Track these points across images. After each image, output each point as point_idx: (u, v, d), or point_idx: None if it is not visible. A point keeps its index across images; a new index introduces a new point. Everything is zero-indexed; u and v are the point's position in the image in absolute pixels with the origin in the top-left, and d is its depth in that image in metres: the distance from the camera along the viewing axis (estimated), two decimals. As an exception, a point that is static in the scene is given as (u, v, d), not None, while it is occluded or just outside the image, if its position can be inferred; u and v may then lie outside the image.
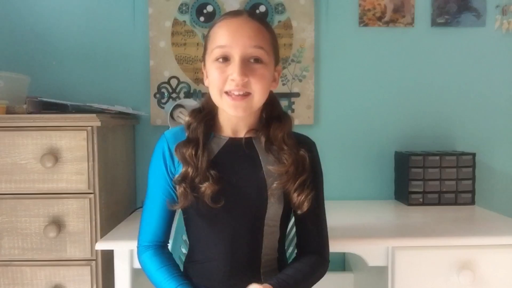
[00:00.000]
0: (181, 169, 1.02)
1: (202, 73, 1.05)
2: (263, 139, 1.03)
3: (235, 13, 1.01)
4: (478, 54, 1.83)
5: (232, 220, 1.00)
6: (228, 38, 0.96)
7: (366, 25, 1.81)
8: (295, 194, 1.00)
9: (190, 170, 1.00)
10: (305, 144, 1.07)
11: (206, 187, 0.98)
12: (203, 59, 1.04)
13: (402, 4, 1.81)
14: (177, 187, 1.02)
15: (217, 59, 0.97)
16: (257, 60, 0.97)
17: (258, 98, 0.98)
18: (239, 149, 1.04)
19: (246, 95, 0.97)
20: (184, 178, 1.00)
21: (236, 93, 0.96)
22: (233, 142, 1.04)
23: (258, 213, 1.01)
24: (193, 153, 1.00)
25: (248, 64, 0.96)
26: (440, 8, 1.81)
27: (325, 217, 1.09)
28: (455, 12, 1.81)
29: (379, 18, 1.81)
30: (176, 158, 1.03)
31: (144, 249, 1.06)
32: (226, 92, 0.97)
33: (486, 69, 1.84)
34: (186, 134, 1.04)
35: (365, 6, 1.80)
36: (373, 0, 1.80)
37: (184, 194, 1.00)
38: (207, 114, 1.05)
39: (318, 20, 1.81)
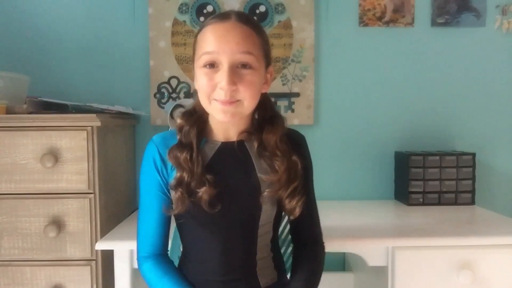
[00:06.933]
0: (174, 174, 1.00)
1: (193, 75, 1.03)
2: (255, 144, 1.02)
3: (223, 17, 0.96)
4: (478, 54, 1.83)
5: (227, 224, 1.00)
6: (215, 44, 0.93)
7: (366, 25, 1.81)
8: (287, 201, 1.00)
9: (185, 174, 0.98)
10: (296, 142, 1.06)
11: (203, 192, 0.96)
12: (192, 62, 1.02)
13: (402, 4, 1.81)
14: (173, 192, 1.00)
15: (204, 65, 0.94)
16: (246, 66, 0.94)
17: (248, 104, 0.96)
18: (232, 153, 1.02)
19: (236, 101, 0.95)
20: (179, 183, 0.98)
21: (225, 100, 0.94)
22: (226, 146, 1.03)
23: (252, 217, 1.01)
24: (188, 157, 0.98)
25: (237, 71, 0.93)
26: (440, 8, 1.81)
27: (316, 208, 1.10)
28: (455, 12, 1.81)
29: (379, 18, 1.81)
30: (168, 164, 1.01)
31: (144, 260, 1.05)
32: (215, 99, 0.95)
33: (486, 69, 1.84)
34: (178, 138, 1.02)
35: (365, 6, 1.81)
36: (373, 0, 1.80)
37: (181, 199, 0.98)
38: (199, 117, 1.03)
39: (318, 20, 1.81)
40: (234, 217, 1.00)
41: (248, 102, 0.96)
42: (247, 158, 1.02)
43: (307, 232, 1.10)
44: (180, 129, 1.02)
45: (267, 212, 1.01)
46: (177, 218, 1.04)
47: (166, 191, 1.02)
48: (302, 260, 1.07)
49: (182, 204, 0.98)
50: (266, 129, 1.02)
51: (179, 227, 1.07)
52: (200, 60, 0.95)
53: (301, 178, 1.02)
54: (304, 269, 1.04)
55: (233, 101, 0.94)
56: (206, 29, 0.96)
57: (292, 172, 1.00)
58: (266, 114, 1.05)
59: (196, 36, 1.00)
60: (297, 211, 1.01)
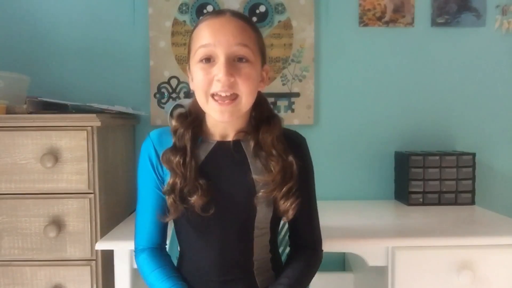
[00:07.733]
0: (168, 174, 1.00)
1: (188, 76, 1.02)
2: (252, 143, 1.01)
3: (217, 13, 0.97)
4: (478, 54, 1.83)
5: (222, 226, 0.99)
6: (211, 37, 0.93)
7: (366, 25, 1.81)
8: (281, 202, 0.99)
9: (178, 180, 0.97)
10: (295, 143, 1.05)
11: (195, 199, 0.96)
12: (187, 61, 1.01)
13: (402, 4, 1.81)
14: (166, 197, 0.99)
15: (201, 60, 0.94)
16: (242, 59, 0.94)
17: (246, 99, 0.95)
18: (227, 153, 1.01)
19: (234, 98, 0.94)
20: (172, 188, 0.98)
21: (223, 94, 0.92)
22: (221, 145, 1.02)
23: (248, 219, 1.00)
24: (181, 161, 0.97)
25: (234, 64, 0.93)
26: (440, 8, 1.81)
27: (316, 212, 1.09)
28: (455, 12, 1.81)
29: (379, 18, 1.81)
30: None
31: (140, 252, 1.06)
32: (213, 95, 0.94)
33: (486, 69, 1.84)
34: (173, 141, 1.01)
35: (365, 6, 1.81)
36: (373, 0, 1.80)
37: (174, 206, 0.98)
38: (194, 120, 1.02)
39: (318, 20, 1.81)
40: (229, 218, 0.99)
41: (246, 97, 0.95)
42: (242, 158, 1.01)
43: (305, 237, 1.08)
44: (175, 131, 1.01)
45: (262, 213, 1.00)
46: (174, 221, 1.04)
47: (161, 187, 1.02)
48: (294, 261, 1.06)
49: (175, 211, 0.98)
50: (262, 129, 1.01)
51: (176, 228, 1.07)
52: (196, 55, 0.95)
53: (296, 179, 1.00)
54: (293, 268, 1.03)
55: (231, 101, 0.93)
56: (201, 25, 0.96)
57: (288, 173, 0.99)
58: (263, 114, 1.04)
59: (191, 34, 0.99)
60: (291, 213, 0.99)
